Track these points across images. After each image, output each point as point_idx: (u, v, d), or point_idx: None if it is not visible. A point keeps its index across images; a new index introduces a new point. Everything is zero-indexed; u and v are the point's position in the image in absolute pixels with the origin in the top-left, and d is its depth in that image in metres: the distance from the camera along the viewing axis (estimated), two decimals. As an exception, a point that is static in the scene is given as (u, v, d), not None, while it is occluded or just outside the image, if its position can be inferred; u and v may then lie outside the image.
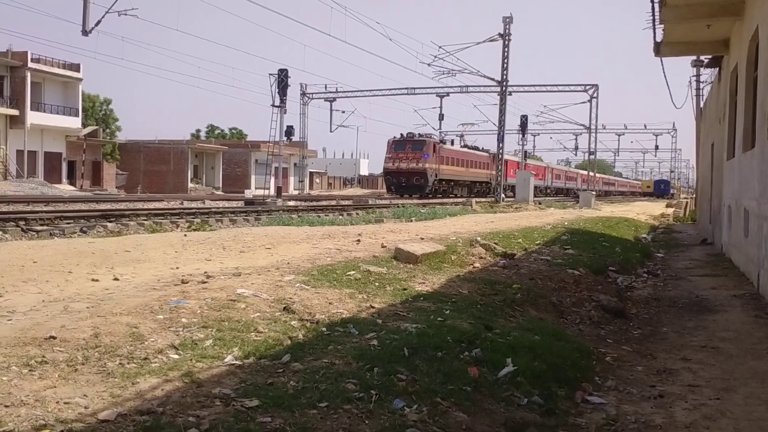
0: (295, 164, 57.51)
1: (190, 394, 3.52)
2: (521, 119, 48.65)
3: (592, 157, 51.49)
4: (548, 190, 66.93)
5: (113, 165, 53.26)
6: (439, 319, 5.66)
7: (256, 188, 49.16)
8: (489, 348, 5.00)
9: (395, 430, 3.42)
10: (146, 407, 3.29)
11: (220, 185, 57.25)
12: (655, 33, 15.02)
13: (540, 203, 37.47)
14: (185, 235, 11.26)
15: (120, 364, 3.93)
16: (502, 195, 38.55)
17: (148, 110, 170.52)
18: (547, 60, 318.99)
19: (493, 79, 39.10)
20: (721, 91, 16.62)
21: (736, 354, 6.08)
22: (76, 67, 47.34)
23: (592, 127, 46.84)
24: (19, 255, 7.76)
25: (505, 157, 43.56)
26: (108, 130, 63.05)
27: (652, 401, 4.79)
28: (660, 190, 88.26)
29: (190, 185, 53.36)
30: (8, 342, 4.04)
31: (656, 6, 13.47)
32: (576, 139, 71.86)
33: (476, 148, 56.98)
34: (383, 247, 9.60)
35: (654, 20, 14.12)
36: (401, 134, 46.25)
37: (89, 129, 51.72)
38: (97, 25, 24.70)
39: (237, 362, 4.13)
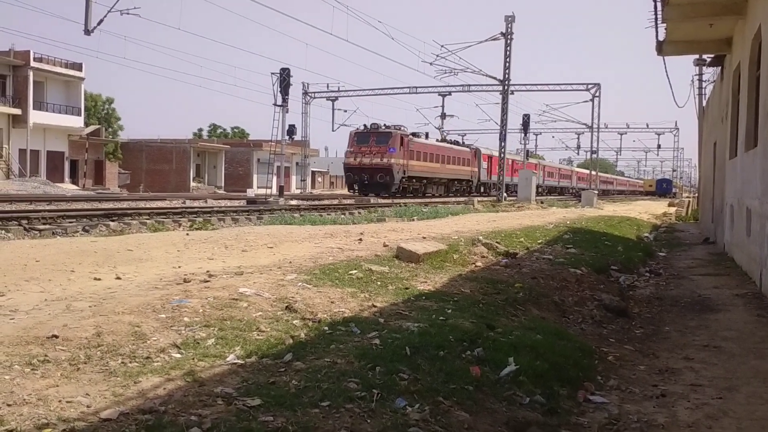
0: (297, 163, 57.62)
1: (192, 393, 3.52)
2: (523, 118, 48.72)
3: (594, 156, 51.52)
4: (540, 189, 65.85)
5: (115, 164, 53.37)
6: (441, 318, 5.65)
7: (258, 187, 49.33)
8: (491, 347, 4.99)
9: (397, 429, 3.42)
10: (148, 406, 3.29)
11: (223, 184, 57.32)
12: (657, 32, 15.04)
13: (542, 202, 37.44)
14: (187, 234, 11.28)
15: (122, 363, 3.93)
16: (504, 194, 38.50)
17: (151, 109, 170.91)
18: (549, 59, 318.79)
19: (495, 78, 39.14)
20: (723, 90, 16.58)
21: (738, 353, 6.06)
22: (78, 67, 47.47)
23: (595, 126, 46.88)
24: (21, 254, 7.78)
25: (497, 154, 41.03)
26: (110, 130, 63.24)
27: (654, 400, 4.78)
28: (662, 189, 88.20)
29: (193, 184, 53.46)
30: (11, 341, 4.04)
31: (659, 5, 13.46)
32: (578, 138, 71.98)
33: (456, 143, 52.45)
34: (385, 246, 9.59)
35: (656, 19, 14.12)
36: (364, 125, 40.39)
37: (91, 128, 51.86)
38: (99, 24, 24.78)
39: (239, 361, 4.13)
